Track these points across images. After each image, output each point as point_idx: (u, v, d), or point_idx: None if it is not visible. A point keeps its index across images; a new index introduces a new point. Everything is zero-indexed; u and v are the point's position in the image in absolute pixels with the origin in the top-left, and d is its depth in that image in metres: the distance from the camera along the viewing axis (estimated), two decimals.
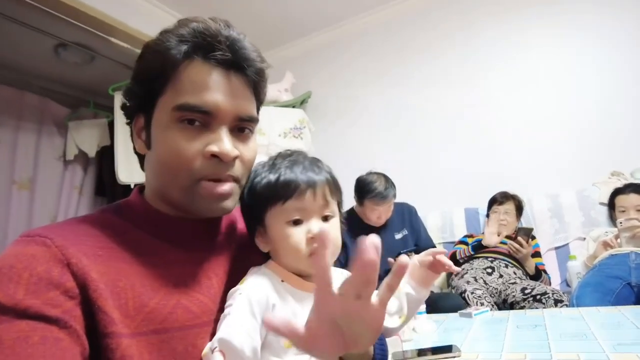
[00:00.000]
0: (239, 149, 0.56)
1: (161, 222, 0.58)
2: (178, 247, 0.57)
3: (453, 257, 2.13)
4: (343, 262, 1.98)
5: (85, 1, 2.10)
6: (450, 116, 2.63)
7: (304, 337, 0.41)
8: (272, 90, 2.84)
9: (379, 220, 1.96)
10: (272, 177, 0.59)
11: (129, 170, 2.46)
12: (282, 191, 0.57)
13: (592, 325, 1.03)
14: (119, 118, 2.54)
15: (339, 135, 3.00)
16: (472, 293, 1.68)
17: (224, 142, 0.54)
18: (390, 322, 0.61)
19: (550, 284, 1.95)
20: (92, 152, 3.20)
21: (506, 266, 1.93)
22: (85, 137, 3.18)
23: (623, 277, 1.56)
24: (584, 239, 2.06)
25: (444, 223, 2.43)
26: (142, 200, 0.60)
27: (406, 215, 2.11)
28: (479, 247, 2.04)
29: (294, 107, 2.92)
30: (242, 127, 0.57)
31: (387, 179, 1.95)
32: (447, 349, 0.95)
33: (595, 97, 2.24)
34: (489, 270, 1.91)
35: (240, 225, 0.68)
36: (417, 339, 1.14)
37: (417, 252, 2.04)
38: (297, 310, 0.55)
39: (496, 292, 1.79)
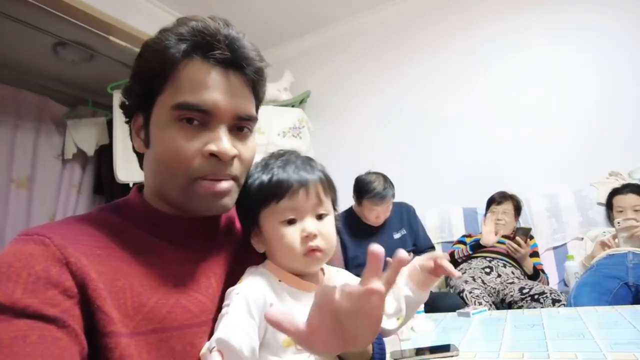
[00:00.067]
0: (238, 148, 0.56)
1: (160, 221, 0.58)
2: (177, 246, 0.57)
3: (451, 257, 2.13)
4: (342, 262, 1.99)
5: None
6: (449, 116, 2.63)
7: (304, 333, 0.41)
8: (271, 90, 2.84)
9: (377, 220, 1.96)
10: (265, 177, 0.59)
11: (127, 169, 2.46)
12: (275, 191, 0.58)
13: (590, 324, 1.04)
14: (118, 117, 2.53)
15: (338, 135, 3.00)
16: (470, 292, 1.68)
17: (223, 141, 0.54)
18: (388, 323, 0.61)
19: (548, 284, 1.95)
20: (90, 150, 3.19)
21: (504, 266, 1.93)
22: (84, 136, 3.17)
23: (620, 277, 1.56)
24: (582, 239, 2.06)
25: (443, 223, 2.44)
26: (141, 199, 0.59)
27: (405, 215, 2.12)
28: (477, 247, 2.04)
29: (293, 106, 2.92)
30: (241, 126, 0.57)
31: (385, 179, 1.95)
32: (445, 348, 0.95)
33: (594, 98, 2.25)
34: (487, 270, 1.91)
35: (239, 224, 0.68)
36: (415, 338, 1.14)
37: (416, 251, 2.07)
38: (295, 309, 0.55)
39: (494, 292, 1.79)
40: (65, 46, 2.73)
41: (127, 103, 0.59)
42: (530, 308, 1.56)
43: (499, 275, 1.88)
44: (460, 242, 2.20)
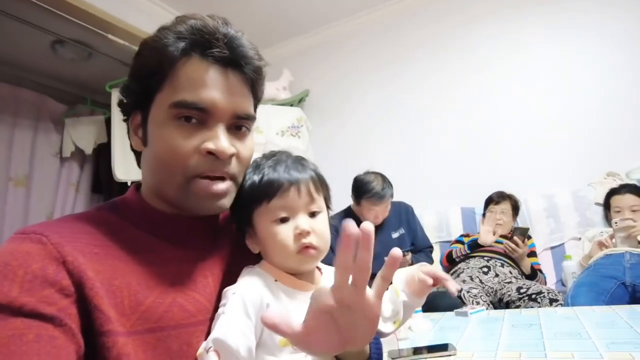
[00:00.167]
0: (236, 146, 0.56)
1: (158, 219, 0.57)
2: (175, 245, 0.57)
3: (449, 256, 2.13)
4: None
5: None
6: (447, 115, 2.63)
7: (301, 333, 0.41)
8: (270, 88, 2.84)
9: (375, 219, 1.96)
10: (256, 178, 0.59)
11: (125, 168, 2.46)
12: (266, 190, 0.58)
13: (587, 324, 1.04)
14: (116, 115, 2.52)
15: (337, 134, 3.00)
16: (468, 292, 1.68)
17: (221, 140, 0.54)
18: (385, 327, 0.62)
19: (545, 284, 1.96)
20: (88, 149, 3.18)
21: (502, 265, 1.94)
22: (82, 134, 3.17)
23: (617, 277, 1.57)
24: (580, 239, 2.07)
25: (441, 222, 2.44)
26: (139, 197, 0.59)
27: (403, 215, 2.12)
28: (475, 246, 2.04)
29: (291, 105, 2.92)
30: (239, 125, 0.57)
31: (384, 178, 1.95)
32: (443, 347, 0.95)
33: (592, 98, 2.25)
34: (485, 270, 1.92)
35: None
36: (413, 337, 1.14)
37: (414, 251, 2.07)
38: (292, 309, 0.55)
39: (492, 291, 1.79)
40: (64, 44, 2.72)
41: (125, 101, 0.59)
42: (527, 308, 1.56)
43: (497, 275, 1.89)
44: (458, 241, 2.21)
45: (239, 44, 0.55)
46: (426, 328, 1.22)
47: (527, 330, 1.05)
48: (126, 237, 0.54)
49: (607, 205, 1.98)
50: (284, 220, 0.58)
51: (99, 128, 3.19)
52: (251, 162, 0.62)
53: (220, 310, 0.54)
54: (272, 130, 2.69)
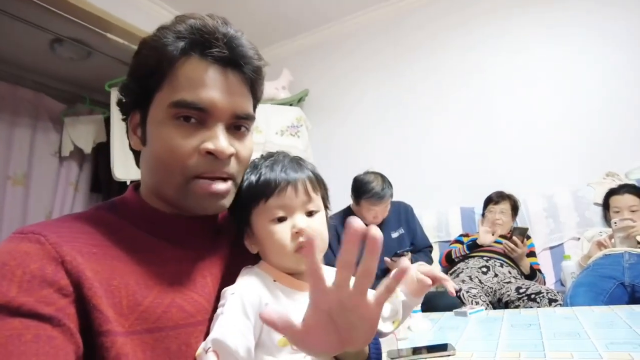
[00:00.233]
0: (235, 146, 0.56)
1: (157, 219, 0.57)
2: (174, 245, 0.57)
3: (448, 256, 2.13)
4: None
5: None
6: (447, 115, 2.63)
7: (300, 332, 0.41)
8: (270, 88, 2.83)
9: (375, 219, 1.96)
10: (254, 178, 0.60)
11: (125, 167, 2.45)
12: (263, 190, 0.58)
13: (586, 324, 1.04)
14: (116, 114, 2.52)
15: (336, 133, 3.00)
16: (467, 292, 1.68)
17: (220, 140, 0.53)
18: (384, 327, 0.62)
19: (544, 284, 1.96)
20: (87, 148, 3.18)
21: (501, 265, 1.94)
22: (81, 133, 3.16)
23: (616, 277, 1.57)
24: (579, 239, 2.07)
25: (440, 222, 2.44)
26: (138, 197, 0.59)
27: (402, 214, 2.12)
28: (474, 246, 2.04)
29: (291, 104, 2.91)
30: (238, 125, 0.57)
31: (384, 178, 1.95)
32: (442, 347, 0.95)
33: (592, 98, 2.25)
34: (484, 270, 1.92)
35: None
36: (412, 337, 1.14)
37: (413, 251, 2.07)
38: (291, 309, 0.55)
39: (491, 291, 1.80)
40: (63, 43, 2.72)
41: (124, 100, 0.59)
42: (527, 308, 1.56)
43: (496, 275, 1.89)
44: (457, 241, 2.21)
45: (238, 44, 0.55)
46: (425, 328, 1.22)
47: (527, 330, 1.05)
48: (125, 236, 0.53)
49: (606, 206, 1.99)
50: (281, 219, 0.58)
51: (98, 127, 3.18)
52: (250, 162, 0.62)
53: (219, 310, 0.53)
54: (271, 129, 2.69)
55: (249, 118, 0.58)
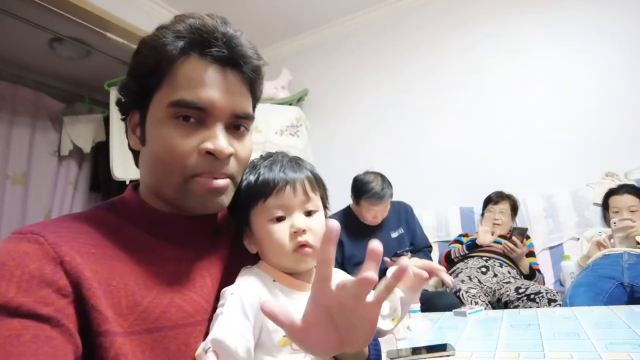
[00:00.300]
0: (234, 146, 0.56)
1: (156, 219, 0.57)
2: (173, 245, 0.57)
3: (448, 256, 2.13)
4: (339, 261, 1.98)
5: None
6: (446, 115, 2.63)
7: (299, 328, 0.41)
8: (269, 88, 2.83)
9: (375, 220, 1.96)
10: (252, 178, 0.60)
11: (124, 166, 2.45)
12: (262, 190, 0.58)
13: (585, 324, 1.04)
14: (115, 114, 2.52)
15: (336, 133, 3.00)
16: (466, 292, 1.69)
17: (219, 139, 0.53)
18: (384, 324, 0.62)
19: (544, 284, 1.96)
20: (87, 147, 3.18)
21: (500, 265, 1.94)
22: (80, 133, 3.16)
23: (616, 277, 1.57)
24: (578, 239, 2.07)
25: (439, 222, 2.44)
26: (137, 197, 0.59)
27: (402, 214, 2.12)
28: (474, 246, 2.04)
29: (290, 104, 2.91)
30: (237, 125, 0.57)
31: (384, 178, 1.95)
32: (442, 347, 0.95)
33: (592, 98, 2.25)
34: (484, 270, 1.92)
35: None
36: (411, 337, 1.14)
37: (413, 251, 2.07)
38: (290, 309, 0.55)
39: (490, 291, 1.80)
40: (62, 42, 2.71)
41: (123, 100, 0.59)
42: (526, 308, 1.57)
43: (495, 275, 1.89)
44: (456, 241, 2.21)
45: (237, 43, 0.55)
46: (425, 328, 1.22)
47: (526, 331, 1.05)
48: (124, 236, 0.53)
49: (605, 206, 1.99)
50: (280, 219, 0.58)
51: (97, 126, 3.18)
52: (249, 162, 0.62)
53: (218, 310, 0.53)
54: (271, 129, 2.69)
55: (248, 118, 0.58)
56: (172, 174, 0.53)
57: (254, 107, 0.62)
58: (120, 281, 0.49)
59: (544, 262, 2.11)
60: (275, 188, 0.58)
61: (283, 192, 0.58)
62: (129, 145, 0.61)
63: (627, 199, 1.88)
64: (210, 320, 0.55)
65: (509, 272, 1.91)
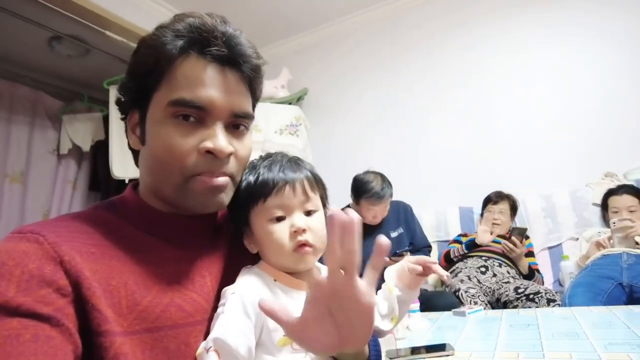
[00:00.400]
0: (234, 145, 0.56)
1: (155, 219, 0.57)
2: (173, 245, 0.57)
3: (447, 256, 2.14)
4: None
5: None
6: (445, 114, 2.63)
7: (297, 324, 0.41)
8: (269, 87, 2.83)
9: (374, 219, 1.96)
10: (252, 178, 0.60)
11: (123, 165, 2.45)
12: (262, 190, 0.59)
13: (584, 324, 1.04)
14: (114, 112, 2.51)
15: (335, 133, 2.99)
16: (465, 292, 1.69)
17: (219, 138, 0.53)
18: (383, 324, 0.62)
19: (543, 284, 1.96)
20: (86, 146, 3.17)
21: (500, 265, 1.94)
22: (79, 131, 3.16)
23: (615, 278, 1.57)
24: (577, 239, 2.08)
25: (439, 222, 2.44)
26: (136, 196, 0.59)
27: (402, 214, 2.12)
28: (473, 246, 2.05)
29: (290, 103, 2.91)
30: (237, 124, 0.57)
31: (383, 178, 1.95)
32: (441, 347, 0.95)
33: (591, 98, 2.25)
34: (483, 269, 1.92)
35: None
36: (410, 337, 1.14)
37: (413, 251, 2.07)
38: (290, 308, 0.55)
39: (490, 291, 1.80)
40: (61, 41, 2.70)
41: (122, 99, 0.59)
42: (525, 308, 1.57)
43: (495, 275, 1.89)
44: (456, 241, 2.21)
45: (237, 43, 0.55)
46: (424, 328, 1.22)
47: (525, 331, 1.06)
48: (123, 236, 0.53)
49: (604, 206, 1.99)
50: (279, 219, 0.59)
51: (96, 125, 3.18)
52: (249, 162, 0.62)
53: (219, 309, 0.53)
54: (270, 128, 2.68)
55: (248, 117, 0.58)
56: (172, 173, 0.53)
57: (253, 107, 0.62)
58: (119, 281, 0.49)
59: (543, 262, 2.11)
60: (275, 188, 0.58)
61: (283, 192, 0.58)
62: (128, 144, 0.61)
63: (626, 199, 1.88)
64: (210, 319, 0.55)
65: (508, 272, 1.91)
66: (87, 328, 0.44)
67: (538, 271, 1.99)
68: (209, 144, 0.53)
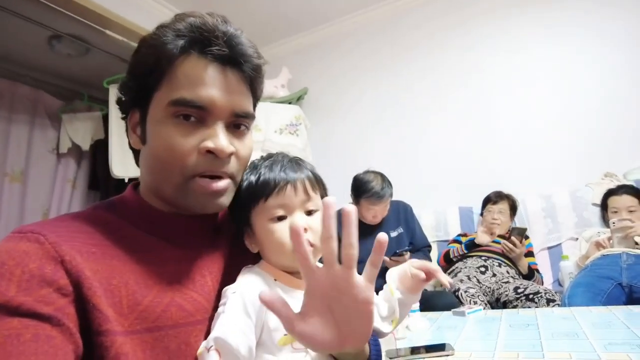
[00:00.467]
0: (235, 145, 0.56)
1: (156, 218, 0.57)
2: (173, 244, 0.57)
3: (446, 256, 2.14)
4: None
5: None
6: (445, 114, 2.63)
7: (297, 318, 0.41)
8: (269, 86, 2.83)
9: (374, 219, 1.96)
10: (253, 178, 0.60)
11: (123, 165, 2.45)
12: (263, 189, 0.59)
13: (584, 324, 1.04)
14: (114, 111, 2.51)
15: (335, 132, 2.99)
16: (465, 292, 1.69)
17: (220, 138, 0.53)
18: (383, 326, 0.62)
19: (542, 284, 1.96)
20: (85, 145, 3.17)
21: (499, 265, 1.94)
22: (79, 130, 3.15)
23: (614, 278, 1.57)
24: (577, 239, 2.08)
25: (438, 222, 2.44)
26: (137, 196, 0.59)
27: (402, 214, 2.12)
28: (473, 246, 2.05)
29: (290, 103, 2.91)
30: (237, 124, 0.57)
31: (383, 178, 1.95)
32: (441, 347, 0.95)
33: (591, 98, 2.25)
34: (483, 269, 1.92)
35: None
36: (410, 337, 1.14)
37: (412, 250, 2.07)
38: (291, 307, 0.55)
39: (489, 291, 1.80)
40: (61, 40, 2.70)
41: (123, 99, 0.59)
42: (525, 307, 1.57)
43: (494, 275, 1.89)
44: (455, 241, 2.21)
45: (238, 42, 0.55)
46: (424, 327, 1.22)
47: (525, 331, 1.06)
48: (124, 236, 0.53)
49: (604, 206, 1.99)
50: (280, 218, 0.59)
51: (96, 124, 3.17)
52: (250, 161, 0.62)
53: (220, 309, 0.54)
54: (270, 128, 2.68)
55: (249, 116, 0.58)
56: (173, 173, 0.53)
57: (254, 106, 0.62)
58: (120, 280, 0.49)
59: (542, 262, 2.11)
60: (276, 188, 0.58)
61: (284, 192, 0.58)
62: (129, 144, 0.61)
63: (626, 200, 1.88)
64: (210, 319, 0.55)
65: (507, 272, 1.91)
66: (88, 328, 0.45)
67: (538, 271, 1.99)
68: (209, 144, 0.52)
